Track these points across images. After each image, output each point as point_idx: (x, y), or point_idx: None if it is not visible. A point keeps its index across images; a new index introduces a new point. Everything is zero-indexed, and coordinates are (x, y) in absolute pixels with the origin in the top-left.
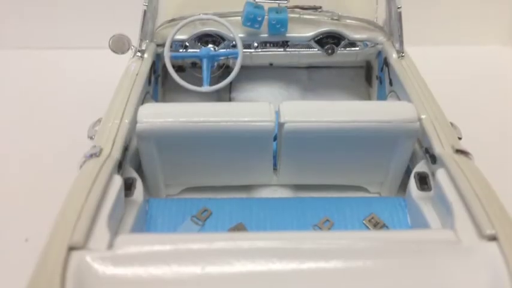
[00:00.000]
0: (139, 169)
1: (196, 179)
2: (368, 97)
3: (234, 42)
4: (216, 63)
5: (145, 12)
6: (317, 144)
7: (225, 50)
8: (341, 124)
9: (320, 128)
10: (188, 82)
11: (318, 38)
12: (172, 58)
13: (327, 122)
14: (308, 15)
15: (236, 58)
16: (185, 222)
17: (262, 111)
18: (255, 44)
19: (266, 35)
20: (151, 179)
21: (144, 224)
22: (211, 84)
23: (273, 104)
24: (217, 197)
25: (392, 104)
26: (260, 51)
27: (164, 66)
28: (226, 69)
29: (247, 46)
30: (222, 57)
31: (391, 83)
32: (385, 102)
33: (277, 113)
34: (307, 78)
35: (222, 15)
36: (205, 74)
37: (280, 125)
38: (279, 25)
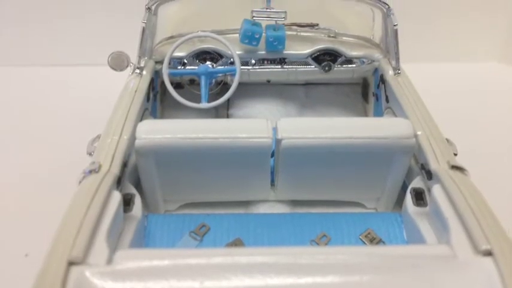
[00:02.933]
0: (138, 185)
1: (194, 194)
2: (364, 114)
3: (232, 59)
4: (214, 80)
5: (143, 29)
6: (314, 161)
7: (223, 67)
8: (338, 140)
9: (317, 144)
10: (186, 99)
11: (315, 55)
12: (170, 75)
13: (323, 138)
14: (305, 33)
15: (234, 75)
16: (183, 237)
17: (259, 127)
18: (253, 61)
19: (263, 52)
20: (149, 194)
21: (143, 240)
22: (209, 100)
23: (270, 121)
24: (216, 212)
25: (388, 120)
26: (258, 68)
27: (163, 83)
28: (224, 86)
29: (244, 63)
30: (220, 74)
31: (387, 100)
32: (382, 119)
33: (275, 130)
34: (304, 95)
35: (220, 33)
36: (203, 90)
37: (278, 142)
38: (276, 42)
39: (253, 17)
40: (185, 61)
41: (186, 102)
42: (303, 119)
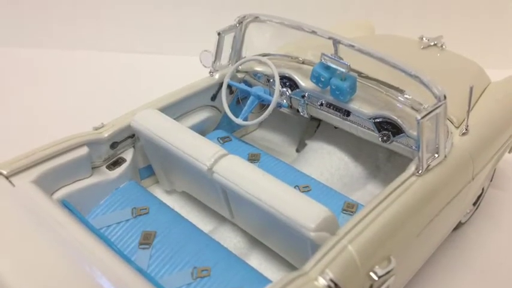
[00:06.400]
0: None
1: (176, 185)
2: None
3: (304, 93)
4: (257, 103)
5: (219, 38)
6: (243, 205)
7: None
8: (249, 196)
9: (238, 193)
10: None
11: (379, 120)
12: (230, 85)
13: (242, 190)
14: (381, 93)
15: (280, 107)
16: (124, 210)
17: (206, 152)
18: (322, 102)
19: (330, 97)
20: (155, 170)
21: (107, 194)
22: (247, 119)
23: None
24: (193, 209)
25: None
26: (324, 110)
27: (239, 90)
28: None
29: (315, 100)
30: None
31: None
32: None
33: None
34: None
35: (306, 62)
36: (246, 108)
37: (209, 171)
38: (338, 92)
39: (322, 60)
40: (270, 80)
41: (228, 110)
42: (247, 164)
